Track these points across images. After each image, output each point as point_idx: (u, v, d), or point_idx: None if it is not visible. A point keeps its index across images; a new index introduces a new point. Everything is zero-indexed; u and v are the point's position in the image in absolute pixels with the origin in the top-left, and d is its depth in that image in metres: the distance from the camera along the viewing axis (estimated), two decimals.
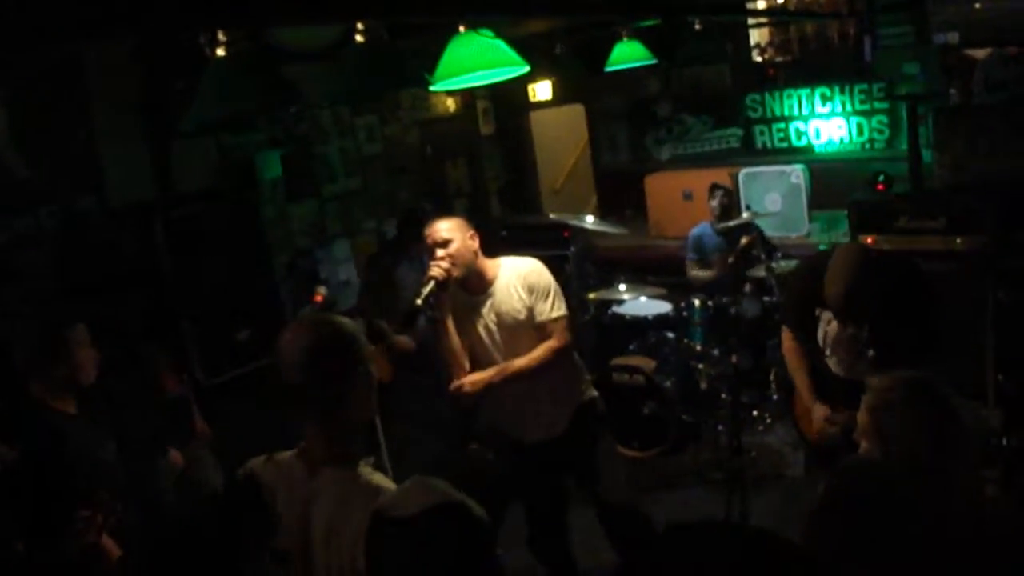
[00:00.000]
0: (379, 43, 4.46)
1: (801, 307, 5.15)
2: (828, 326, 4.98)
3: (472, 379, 4.89)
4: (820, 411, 5.00)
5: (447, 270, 4.74)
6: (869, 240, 7.29)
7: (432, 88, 4.73)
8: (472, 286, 4.95)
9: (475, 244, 4.90)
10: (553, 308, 4.92)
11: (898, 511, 2.92)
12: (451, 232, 4.82)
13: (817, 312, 5.02)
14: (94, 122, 6.68)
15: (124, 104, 6.86)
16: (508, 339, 4.96)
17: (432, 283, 4.70)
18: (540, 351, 4.91)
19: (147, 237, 7.00)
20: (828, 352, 5.04)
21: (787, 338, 5.32)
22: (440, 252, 4.79)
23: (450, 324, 4.91)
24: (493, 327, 4.96)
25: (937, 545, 2.89)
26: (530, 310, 4.91)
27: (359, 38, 4.46)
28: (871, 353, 4.82)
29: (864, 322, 4.78)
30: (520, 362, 4.90)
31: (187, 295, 7.15)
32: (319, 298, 5.88)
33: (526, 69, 4.67)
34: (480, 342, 5.01)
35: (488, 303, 4.96)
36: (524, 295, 4.91)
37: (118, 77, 6.77)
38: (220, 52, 3.95)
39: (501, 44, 4.51)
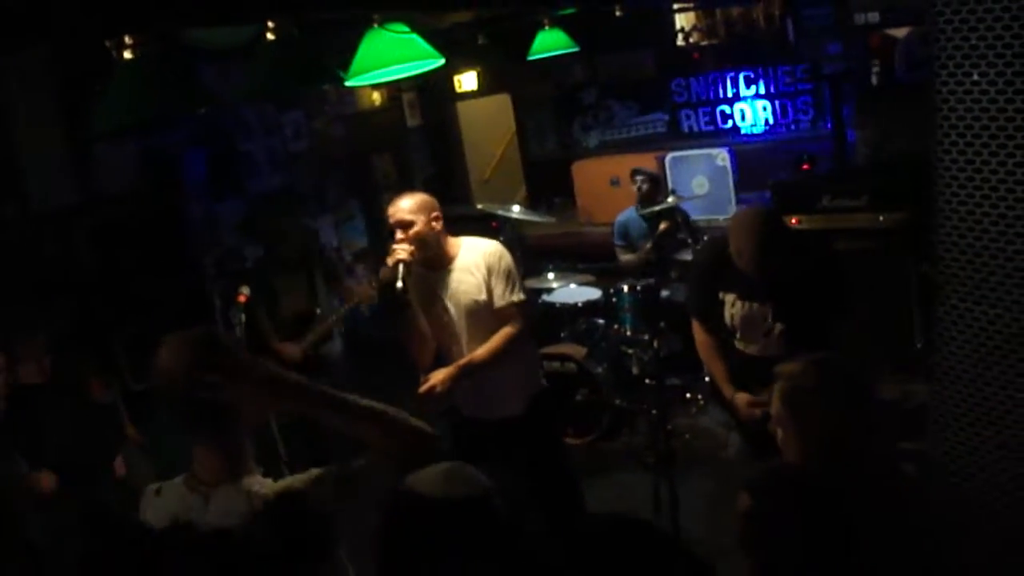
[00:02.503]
0: (290, 41, 4.43)
1: (704, 294, 5.25)
2: (733, 308, 5.06)
3: (440, 378, 4.78)
4: (741, 401, 5.02)
5: (410, 251, 4.67)
6: (793, 221, 7.33)
7: (347, 84, 4.71)
8: (430, 263, 4.90)
9: (439, 225, 4.84)
10: (512, 292, 4.89)
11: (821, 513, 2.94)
12: (414, 214, 4.74)
13: (721, 296, 5.11)
14: (13, 127, 6.57)
15: (43, 108, 6.77)
16: (466, 319, 4.93)
17: (402, 266, 4.61)
18: (499, 339, 4.87)
19: (70, 242, 6.92)
20: (738, 335, 5.12)
21: (698, 330, 5.35)
22: (400, 234, 4.73)
23: (416, 306, 4.88)
24: (450, 306, 4.93)
25: (863, 536, 2.92)
26: (489, 291, 4.88)
27: (270, 36, 4.43)
28: (780, 328, 4.93)
29: (768, 298, 4.91)
30: (481, 353, 4.86)
31: (113, 299, 7.07)
32: (242, 298, 5.85)
33: (441, 62, 4.66)
34: (438, 321, 4.98)
35: (446, 281, 4.92)
36: (483, 275, 4.87)
37: (36, 81, 6.68)
38: (127, 55, 3.92)
39: (416, 38, 4.50)
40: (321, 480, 2.76)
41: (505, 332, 4.89)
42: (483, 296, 4.88)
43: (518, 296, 4.93)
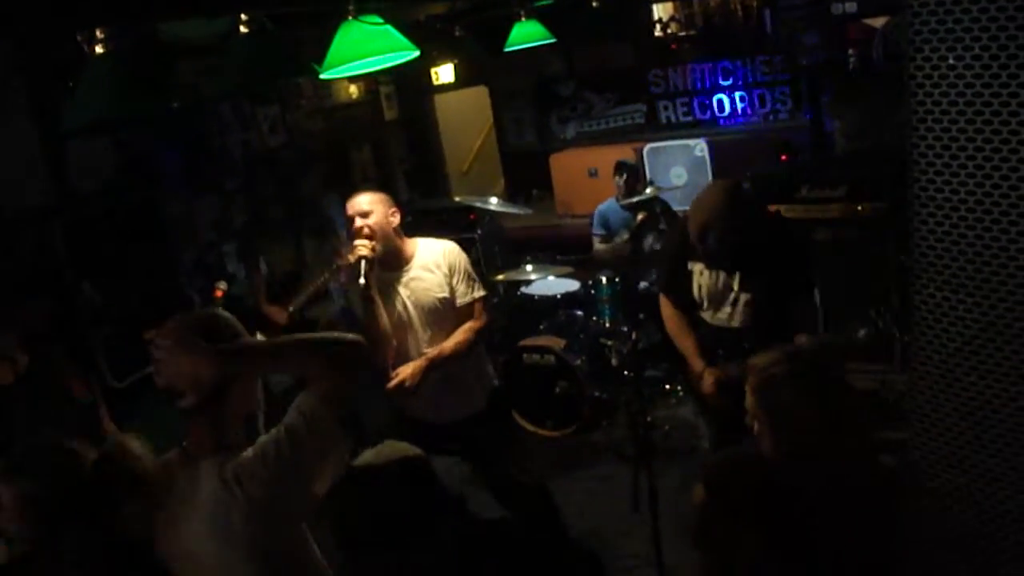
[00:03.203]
0: (263, 34, 4.40)
1: (674, 265, 5.29)
2: (700, 278, 5.13)
3: (408, 372, 4.82)
4: (709, 378, 5.06)
5: (371, 246, 4.71)
6: (771, 210, 7.33)
7: (322, 76, 4.69)
8: (389, 263, 4.93)
9: (396, 220, 4.89)
10: (474, 288, 4.99)
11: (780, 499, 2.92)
12: (372, 204, 4.82)
13: (689, 267, 5.16)
14: None
15: (14, 105, 6.70)
16: (425, 318, 4.96)
17: (363, 261, 4.66)
18: (465, 332, 4.95)
19: (46, 240, 6.86)
20: (705, 305, 5.19)
21: (666, 305, 5.38)
22: (360, 222, 4.77)
23: (380, 301, 4.86)
24: (409, 305, 4.95)
25: (827, 528, 2.90)
26: (450, 290, 4.94)
27: (243, 29, 4.41)
28: (745, 297, 5.01)
29: (734, 268, 4.98)
30: (449, 346, 4.91)
31: (91, 297, 7.02)
32: (219, 293, 5.84)
33: (416, 54, 4.64)
34: (397, 319, 4.97)
35: (404, 281, 4.94)
36: (444, 275, 4.92)
37: (6, 77, 6.61)
38: (99, 49, 3.89)
39: (390, 29, 4.48)
40: (269, 447, 2.78)
41: (470, 326, 4.97)
42: (444, 294, 4.94)
43: (480, 292, 5.04)
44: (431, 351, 4.91)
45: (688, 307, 5.27)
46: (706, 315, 5.22)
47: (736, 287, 5.03)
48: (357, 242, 4.73)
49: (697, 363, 5.14)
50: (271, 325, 7.04)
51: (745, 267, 4.97)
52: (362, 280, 4.65)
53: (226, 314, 2.99)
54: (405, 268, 4.95)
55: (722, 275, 5.06)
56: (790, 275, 4.94)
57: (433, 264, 4.94)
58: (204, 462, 2.77)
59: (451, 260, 4.96)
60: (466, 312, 4.99)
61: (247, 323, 6.14)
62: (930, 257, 2.61)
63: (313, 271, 7.13)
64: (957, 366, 2.70)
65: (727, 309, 5.11)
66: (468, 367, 5.05)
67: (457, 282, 4.95)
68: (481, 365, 5.23)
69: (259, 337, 6.48)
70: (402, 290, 4.95)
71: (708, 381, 5.06)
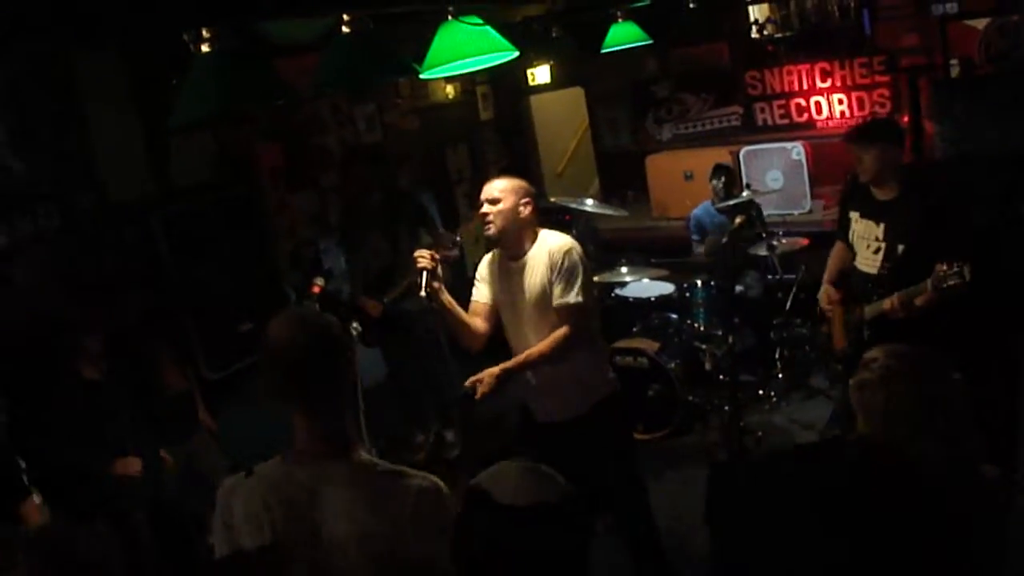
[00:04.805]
0: (365, 33, 4.44)
1: (843, 217, 5.86)
2: (856, 225, 5.69)
3: (493, 374, 4.74)
4: (825, 289, 5.95)
5: (432, 257, 4.71)
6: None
7: (421, 76, 4.73)
8: (511, 252, 4.95)
9: (526, 211, 4.84)
10: (569, 293, 4.77)
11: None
12: (504, 192, 4.80)
13: (849, 215, 5.72)
14: (90, 119, 6.65)
15: (120, 100, 6.84)
16: (532, 312, 4.92)
17: (424, 272, 4.67)
18: (549, 341, 4.80)
19: (146, 232, 6.99)
20: (855, 251, 5.68)
21: (836, 248, 6.08)
22: (486, 208, 4.81)
23: (448, 299, 4.87)
24: (519, 296, 4.93)
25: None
26: (550, 289, 4.82)
27: (345, 29, 4.46)
28: (885, 247, 5.43)
29: (882, 218, 5.41)
30: (536, 350, 4.83)
31: (188, 289, 7.14)
32: (316, 289, 5.91)
33: (515, 54, 4.67)
34: (510, 308, 5.01)
35: (521, 272, 4.91)
36: (546, 272, 4.82)
37: (112, 73, 6.75)
38: (205, 48, 3.95)
39: (489, 30, 4.51)
40: None
41: (555, 335, 4.80)
42: (545, 293, 4.85)
43: (574, 299, 4.78)
44: (520, 356, 4.88)
45: (850, 253, 5.84)
46: (856, 262, 5.68)
47: (880, 237, 5.42)
48: (417, 254, 4.75)
49: (827, 279, 6.01)
50: (365, 317, 7.15)
51: (893, 219, 5.35)
52: (423, 292, 4.68)
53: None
54: (523, 259, 4.90)
55: (870, 223, 5.52)
56: (929, 233, 5.19)
57: (540, 261, 4.84)
58: (326, 464, 2.80)
59: (555, 259, 4.79)
60: (560, 315, 4.81)
61: (342, 316, 6.27)
62: None
63: (408, 264, 7.22)
64: None
65: (870, 256, 5.50)
66: (562, 375, 4.93)
67: (555, 282, 4.78)
68: (584, 370, 5.04)
69: (354, 326, 6.58)
70: (516, 280, 4.92)
71: (824, 290, 5.93)
